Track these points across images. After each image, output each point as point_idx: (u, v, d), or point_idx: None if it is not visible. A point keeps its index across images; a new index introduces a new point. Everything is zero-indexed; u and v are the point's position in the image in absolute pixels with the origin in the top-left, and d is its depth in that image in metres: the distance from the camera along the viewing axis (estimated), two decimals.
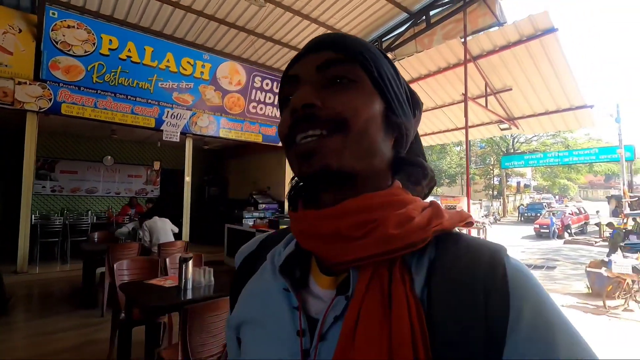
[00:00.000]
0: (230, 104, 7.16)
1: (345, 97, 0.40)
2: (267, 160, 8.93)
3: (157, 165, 9.45)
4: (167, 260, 3.14)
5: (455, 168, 29.02)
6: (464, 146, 26.38)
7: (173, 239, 4.61)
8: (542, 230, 15.49)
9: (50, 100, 5.27)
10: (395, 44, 6.34)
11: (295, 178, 0.49)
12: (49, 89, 5.25)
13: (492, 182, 28.70)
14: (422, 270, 0.38)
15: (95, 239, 4.92)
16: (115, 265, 2.86)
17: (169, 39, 6.22)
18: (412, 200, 0.42)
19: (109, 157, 9.15)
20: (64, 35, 5.26)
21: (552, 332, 0.32)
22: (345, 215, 0.39)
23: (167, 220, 4.66)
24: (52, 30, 5.15)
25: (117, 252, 3.95)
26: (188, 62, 6.40)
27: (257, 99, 7.48)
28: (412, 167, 0.46)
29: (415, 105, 0.48)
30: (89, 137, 8.51)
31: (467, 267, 0.37)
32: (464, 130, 7.40)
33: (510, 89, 6.52)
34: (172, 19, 5.84)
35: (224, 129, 7.11)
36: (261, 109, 7.62)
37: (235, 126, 7.27)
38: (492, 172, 28.32)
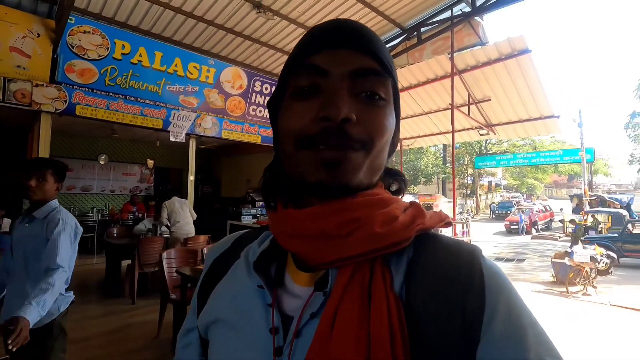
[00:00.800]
0: (232, 106, 7.52)
1: (376, 116, 0.40)
2: (261, 160, 9.29)
3: (150, 163, 9.64)
4: (205, 249, 3.59)
5: (431, 168, 29.96)
6: (440, 146, 27.28)
7: (190, 220, 4.96)
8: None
9: (65, 101, 5.48)
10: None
11: (268, 172, 0.48)
12: (64, 91, 5.46)
13: (465, 181, 29.92)
14: (401, 269, 0.38)
15: (115, 234, 5.23)
16: (164, 254, 3.27)
17: (177, 45, 6.52)
18: (394, 200, 0.42)
19: (104, 155, 9.28)
20: (79, 40, 5.48)
21: (523, 332, 0.34)
22: (332, 214, 0.38)
23: (186, 202, 4.98)
24: (68, 35, 5.37)
25: (145, 246, 4.34)
26: (194, 67, 6.72)
27: (257, 102, 7.87)
28: (395, 176, 0.48)
29: None
30: (87, 136, 8.62)
31: (447, 266, 0.37)
32: (447, 135, 8.13)
33: (490, 100, 7.28)
34: (183, 26, 6.17)
35: (226, 130, 7.46)
36: (260, 111, 8.01)
37: (236, 128, 7.63)
38: (465, 171, 29.45)
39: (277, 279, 0.43)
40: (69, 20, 5.31)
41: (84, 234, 6.79)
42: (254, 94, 7.77)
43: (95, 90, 5.78)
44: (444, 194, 26.54)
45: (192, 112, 6.90)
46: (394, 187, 0.48)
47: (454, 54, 6.20)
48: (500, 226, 18.14)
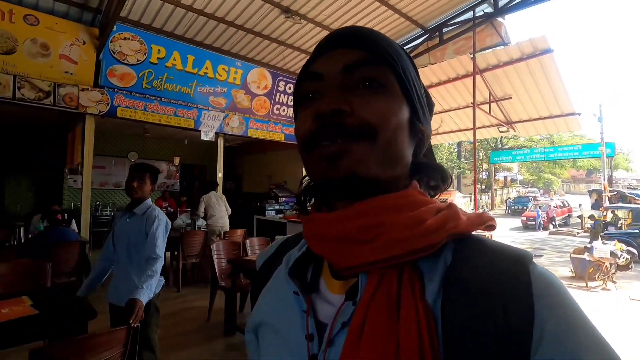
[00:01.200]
0: (257, 106, 7.83)
1: (374, 103, 0.39)
2: (283, 156, 9.62)
3: (176, 160, 10.07)
4: (247, 242, 3.92)
5: (446, 163, 29.84)
6: (454, 142, 27.18)
7: (225, 214, 5.27)
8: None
9: (108, 104, 5.87)
10: (411, 55, 7.12)
11: (306, 179, 0.48)
12: (106, 95, 5.84)
13: (480, 176, 29.73)
14: (436, 276, 0.36)
15: None
16: (213, 246, 3.61)
17: (208, 49, 6.85)
18: (427, 202, 0.40)
19: (134, 152, 9.79)
20: (120, 46, 5.84)
21: (581, 351, 0.30)
22: (354, 217, 0.38)
23: (222, 197, 5.29)
24: (110, 41, 5.74)
25: (188, 239, 4.70)
26: (223, 69, 7.04)
27: (280, 101, 8.16)
28: (432, 171, 0.46)
29: (430, 107, 0.48)
30: (118, 134, 9.09)
31: (483, 276, 0.34)
32: (468, 132, 8.28)
33: (510, 98, 7.39)
34: (214, 31, 6.49)
35: (252, 129, 7.78)
36: (284, 110, 8.31)
37: (261, 126, 7.95)
38: (481, 166, 29.28)
39: (312, 285, 0.44)
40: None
41: None
42: (278, 94, 8.07)
43: (133, 93, 6.16)
44: (458, 189, 26.52)
45: (220, 112, 7.24)
46: (432, 183, 0.47)
47: (476, 54, 6.34)
48: (517, 222, 18.09)
